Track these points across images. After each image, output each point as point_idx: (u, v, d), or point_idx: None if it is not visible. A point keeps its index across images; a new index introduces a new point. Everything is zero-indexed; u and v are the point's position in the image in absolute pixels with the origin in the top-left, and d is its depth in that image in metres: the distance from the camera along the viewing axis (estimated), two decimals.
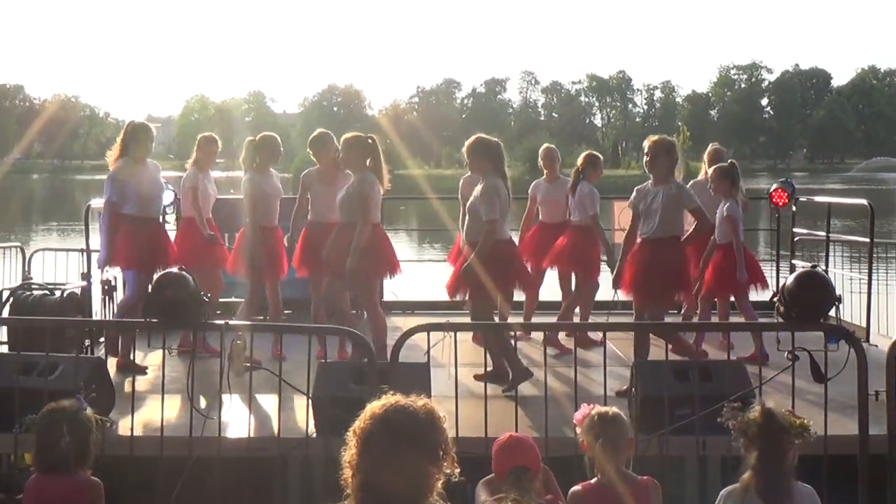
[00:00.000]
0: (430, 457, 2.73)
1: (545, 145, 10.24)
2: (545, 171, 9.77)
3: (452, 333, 5.76)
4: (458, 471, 2.82)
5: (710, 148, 9.59)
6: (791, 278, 5.41)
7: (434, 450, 2.74)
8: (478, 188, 7.57)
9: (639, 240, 7.56)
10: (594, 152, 9.80)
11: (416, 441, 2.71)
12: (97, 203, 9.51)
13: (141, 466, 5.64)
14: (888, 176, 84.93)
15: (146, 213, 8.28)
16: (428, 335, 5.55)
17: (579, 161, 9.30)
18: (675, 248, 7.47)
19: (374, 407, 2.81)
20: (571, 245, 9.08)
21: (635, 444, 4.43)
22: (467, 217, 7.72)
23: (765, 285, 8.64)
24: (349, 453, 2.79)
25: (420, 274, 10.89)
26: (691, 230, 7.63)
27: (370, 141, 8.05)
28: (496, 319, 7.89)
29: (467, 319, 10.36)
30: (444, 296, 11.51)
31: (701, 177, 9.31)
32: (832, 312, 5.94)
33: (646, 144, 7.72)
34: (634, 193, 7.64)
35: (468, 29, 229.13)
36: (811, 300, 5.31)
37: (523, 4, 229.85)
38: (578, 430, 4.16)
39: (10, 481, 6.45)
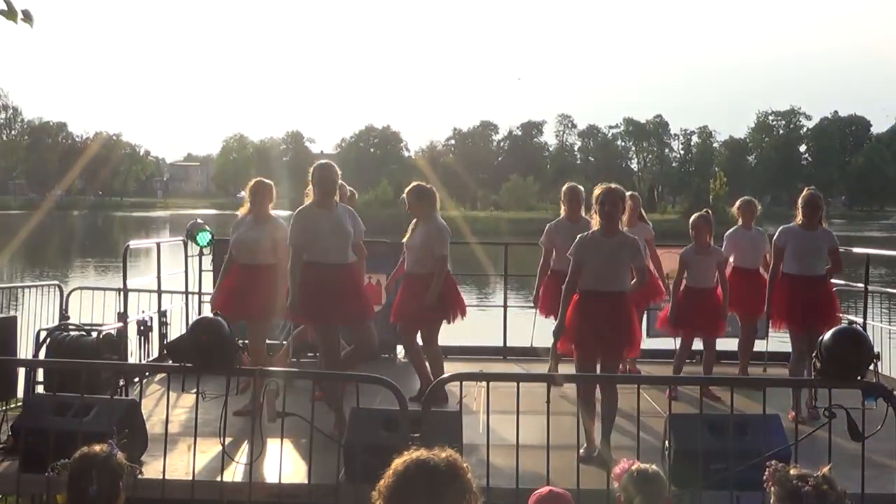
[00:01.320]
0: None
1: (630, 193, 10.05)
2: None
3: (485, 383, 5.73)
4: None
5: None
6: (829, 334, 5.34)
7: (457, 502, 2.77)
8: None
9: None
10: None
11: (435, 496, 2.75)
12: (136, 244, 9.62)
13: None
14: None
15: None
16: (461, 385, 5.54)
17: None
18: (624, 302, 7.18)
19: (397, 463, 2.86)
20: None
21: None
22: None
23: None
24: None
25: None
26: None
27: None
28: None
29: (502, 366, 10.47)
30: (477, 341, 11.57)
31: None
32: (870, 367, 5.87)
33: (597, 192, 7.30)
34: (579, 241, 7.24)
35: (506, 71, 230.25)
36: (849, 357, 5.25)
37: (561, 48, 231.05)
38: (616, 485, 4.11)
39: None
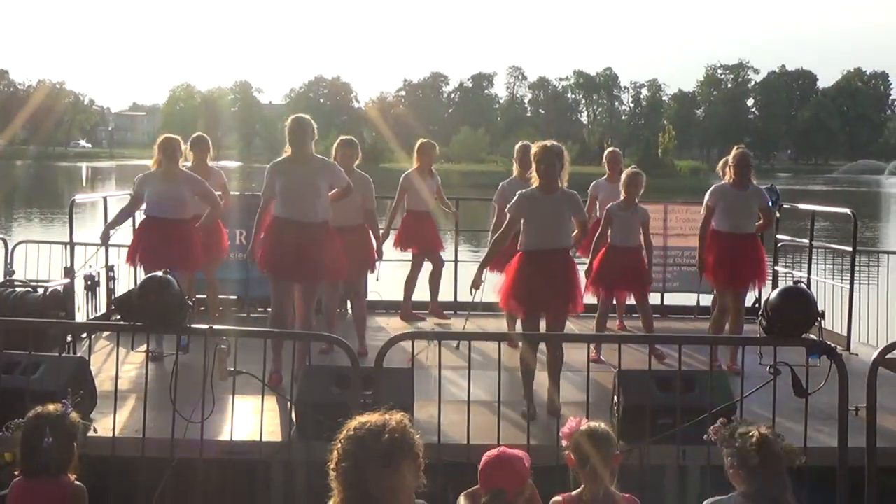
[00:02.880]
0: (398, 475, 2.93)
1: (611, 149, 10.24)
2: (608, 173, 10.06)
3: (437, 341, 5.76)
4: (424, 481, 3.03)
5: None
6: (774, 293, 5.43)
7: (401, 469, 2.94)
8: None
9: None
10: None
11: (386, 461, 2.91)
12: (82, 198, 9.45)
13: (122, 468, 5.63)
14: (871, 178, 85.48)
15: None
16: (412, 343, 5.56)
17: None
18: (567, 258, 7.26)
19: (349, 426, 3.00)
20: None
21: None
22: None
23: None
24: (332, 465, 2.99)
25: (402, 273, 10.88)
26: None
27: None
28: None
29: (453, 321, 10.52)
30: (427, 296, 11.59)
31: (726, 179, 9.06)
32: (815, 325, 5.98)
33: (534, 150, 7.32)
34: (518, 199, 7.23)
35: (456, 23, 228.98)
36: (794, 316, 5.34)
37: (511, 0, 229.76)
38: (564, 444, 4.16)
39: None
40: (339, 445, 2.97)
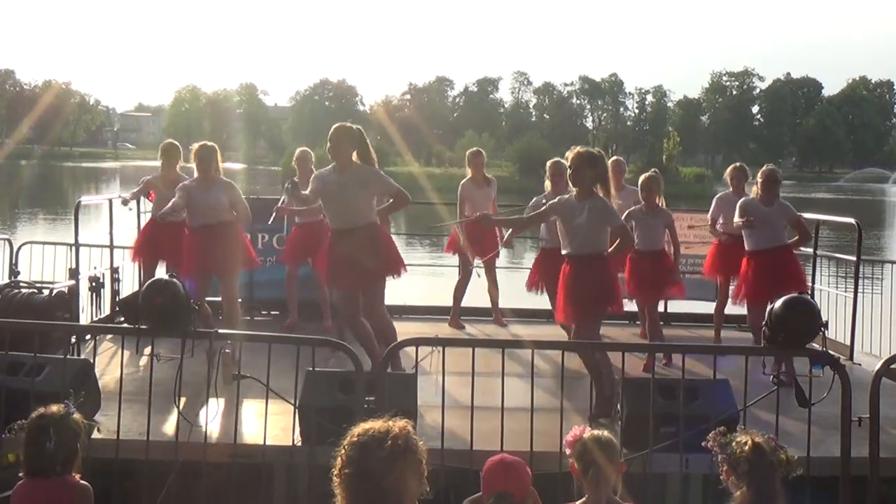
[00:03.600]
0: (402, 482, 2.95)
1: (615, 158, 10.15)
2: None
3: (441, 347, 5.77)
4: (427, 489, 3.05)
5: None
6: (778, 303, 5.43)
7: (405, 476, 2.96)
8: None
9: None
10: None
11: (389, 468, 2.93)
12: (88, 199, 9.49)
13: (126, 470, 5.65)
14: (876, 187, 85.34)
15: None
16: (416, 349, 5.57)
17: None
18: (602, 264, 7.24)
19: (353, 433, 3.03)
20: None
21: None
22: None
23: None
24: (336, 471, 3.01)
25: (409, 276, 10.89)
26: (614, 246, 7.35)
27: None
28: None
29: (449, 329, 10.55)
30: (433, 300, 11.61)
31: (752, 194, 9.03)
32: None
33: (568, 156, 7.40)
34: (551, 206, 7.43)
35: (462, 27, 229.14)
36: (798, 326, 5.35)
37: (517, 4, 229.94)
38: (568, 452, 4.17)
39: None
40: (343, 452, 2.99)
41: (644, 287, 9.01)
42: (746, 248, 8.72)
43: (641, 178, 9.20)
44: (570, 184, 7.34)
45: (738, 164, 10.40)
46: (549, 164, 9.76)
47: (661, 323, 11.07)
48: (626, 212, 8.93)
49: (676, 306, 11.52)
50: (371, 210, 7.62)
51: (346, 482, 2.95)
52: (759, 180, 8.66)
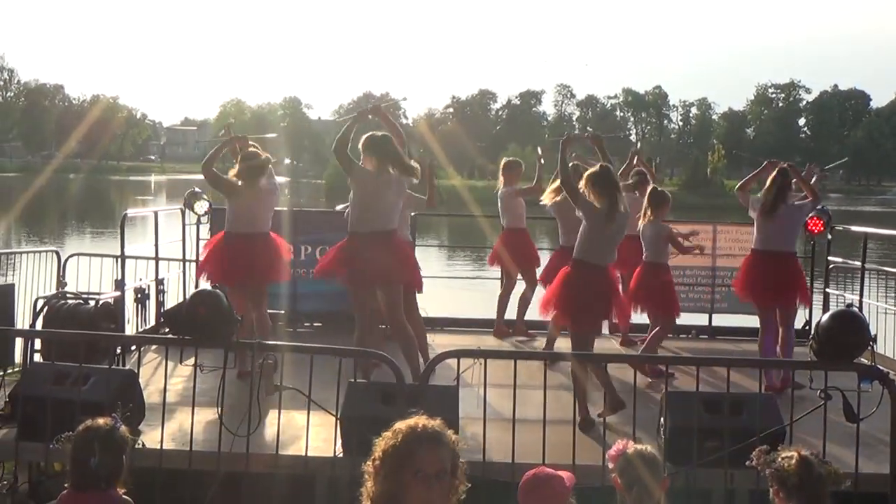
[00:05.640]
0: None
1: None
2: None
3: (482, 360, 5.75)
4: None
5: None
6: (826, 317, 5.36)
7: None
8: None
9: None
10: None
11: (433, 452, 3.02)
12: (133, 212, 9.64)
13: (169, 480, 5.68)
14: None
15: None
16: (458, 361, 5.55)
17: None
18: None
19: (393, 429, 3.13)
20: None
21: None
22: None
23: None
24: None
25: (449, 290, 10.90)
26: None
27: None
28: None
29: (494, 340, 10.52)
30: (473, 313, 11.59)
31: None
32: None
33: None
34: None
35: (504, 40, 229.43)
36: (845, 340, 5.27)
37: (560, 17, 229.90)
38: (611, 466, 4.13)
39: (40, 488, 6.54)
40: (383, 445, 3.08)
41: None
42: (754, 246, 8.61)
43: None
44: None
45: None
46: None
47: (706, 337, 11.03)
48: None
49: (722, 320, 11.40)
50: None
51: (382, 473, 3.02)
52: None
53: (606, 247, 7.25)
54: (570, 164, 7.87)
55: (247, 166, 8.42)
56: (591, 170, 7.52)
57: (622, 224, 7.30)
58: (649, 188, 9.23)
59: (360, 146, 7.90)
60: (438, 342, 10.30)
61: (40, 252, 11.21)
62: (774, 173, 8.56)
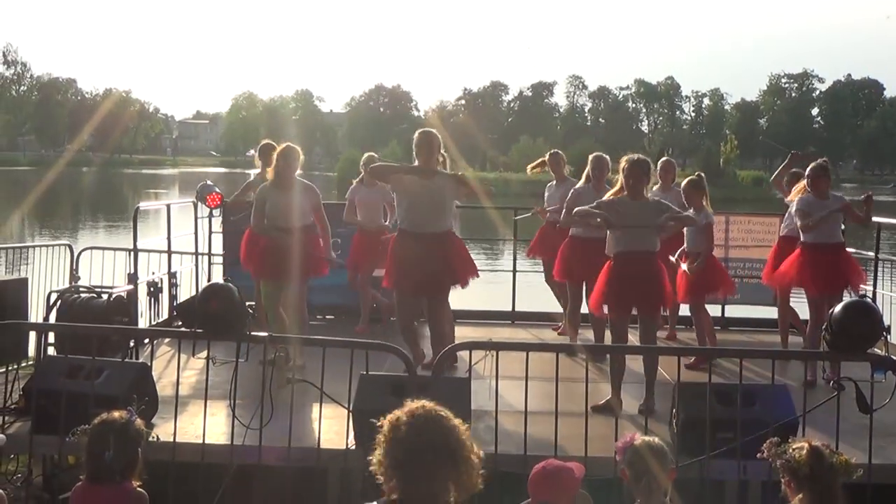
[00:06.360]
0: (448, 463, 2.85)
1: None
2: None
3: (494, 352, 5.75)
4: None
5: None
6: (839, 307, 5.33)
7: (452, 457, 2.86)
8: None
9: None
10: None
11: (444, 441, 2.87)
12: (146, 205, 9.64)
13: (182, 473, 5.70)
14: None
15: None
16: (470, 353, 5.55)
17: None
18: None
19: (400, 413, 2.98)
20: None
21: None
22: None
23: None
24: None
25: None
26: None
27: None
28: None
29: (510, 331, 10.52)
30: (486, 305, 11.59)
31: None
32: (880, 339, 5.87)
33: (624, 165, 7.55)
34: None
35: (516, 32, 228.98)
36: (859, 330, 5.24)
37: (573, 9, 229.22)
38: (618, 458, 4.14)
39: (54, 481, 6.58)
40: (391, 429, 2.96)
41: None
42: (802, 240, 8.52)
43: (683, 183, 9.17)
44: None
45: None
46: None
47: (719, 328, 11.00)
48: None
49: (735, 311, 11.37)
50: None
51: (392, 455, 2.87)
52: (808, 176, 8.52)
53: None
54: None
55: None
56: None
57: None
58: None
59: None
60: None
61: (53, 246, 11.28)
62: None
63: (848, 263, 8.52)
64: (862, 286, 9.08)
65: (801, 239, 8.43)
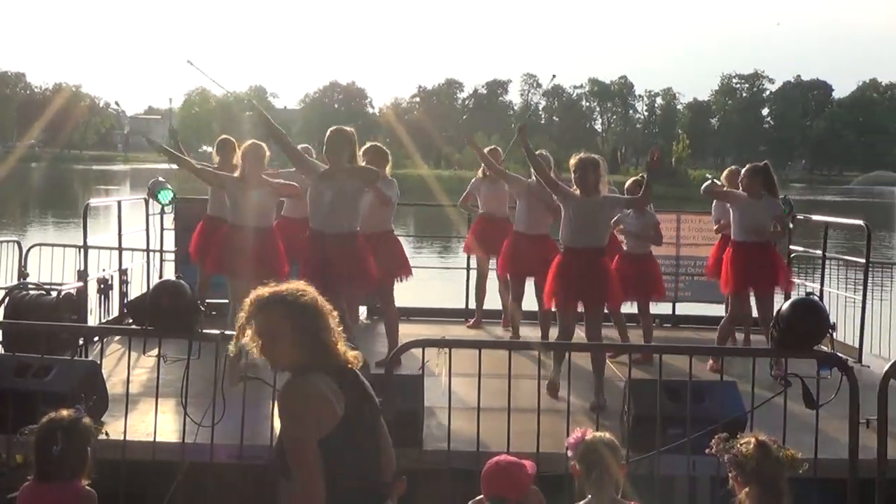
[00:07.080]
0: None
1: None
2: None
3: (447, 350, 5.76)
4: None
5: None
6: (786, 305, 5.43)
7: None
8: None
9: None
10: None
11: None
12: (96, 202, 9.55)
13: (133, 471, 5.65)
14: (886, 189, 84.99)
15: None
16: (423, 351, 5.56)
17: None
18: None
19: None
20: None
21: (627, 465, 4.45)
22: None
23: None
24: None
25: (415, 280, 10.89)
26: None
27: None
28: None
29: (464, 329, 10.54)
30: (440, 302, 11.62)
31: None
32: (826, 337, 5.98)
33: (573, 162, 7.76)
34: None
35: (471, 29, 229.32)
36: (806, 328, 5.34)
37: (526, 7, 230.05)
38: (570, 454, 4.17)
39: (2, 480, 6.48)
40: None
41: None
42: (732, 237, 8.77)
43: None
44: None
45: (733, 167, 10.36)
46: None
47: (669, 325, 11.14)
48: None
49: (685, 308, 11.50)
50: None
51: None
52: (743, 175, 8.71)
53: None
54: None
55: None
56: None
57: None
58: None
59: None
60: (405, 332, 10.32)
61: (1, 242, 11.09)
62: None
63: (774, 263, 8.77)
64: (809, 284, 9.27)
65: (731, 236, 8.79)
